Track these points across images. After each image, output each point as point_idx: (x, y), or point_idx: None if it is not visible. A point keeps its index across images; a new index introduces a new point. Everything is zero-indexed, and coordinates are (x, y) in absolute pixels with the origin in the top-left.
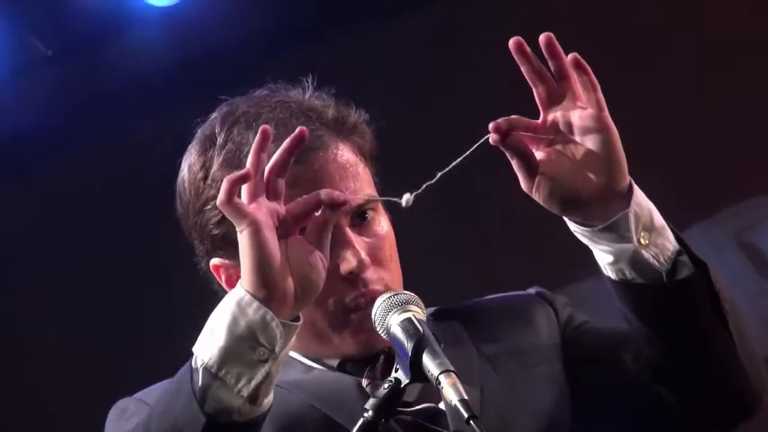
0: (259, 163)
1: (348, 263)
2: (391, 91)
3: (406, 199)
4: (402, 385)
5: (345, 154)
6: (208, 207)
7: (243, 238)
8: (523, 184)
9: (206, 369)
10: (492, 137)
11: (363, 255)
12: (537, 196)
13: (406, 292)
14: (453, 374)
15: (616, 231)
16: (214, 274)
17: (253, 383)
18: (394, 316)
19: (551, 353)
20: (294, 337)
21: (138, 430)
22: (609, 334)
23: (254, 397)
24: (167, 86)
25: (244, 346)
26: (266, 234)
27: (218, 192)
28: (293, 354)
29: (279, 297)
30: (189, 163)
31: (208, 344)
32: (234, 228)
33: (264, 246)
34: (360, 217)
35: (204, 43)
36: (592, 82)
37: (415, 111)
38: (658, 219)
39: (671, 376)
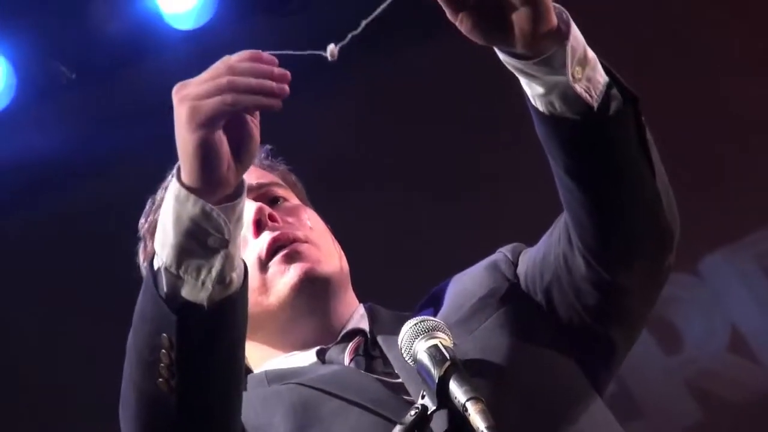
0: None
1: (249, 213)
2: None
3: (331, 50)
4: (429, 412)
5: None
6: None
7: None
8: (449, 14)
9: (167, 270)
10: None
11: (262, 205)
12: (462, 28)
13: (432, 318)
14: (481, 401)
15: (550, 65)
16: None
17: (214, 272)
18: (420, 342)
19: (515, 291)
20: (244, 210)
21: (129, 343)
22: (538, 248)
23: (221, 280)
24: None
25: (193, 239)
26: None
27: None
28: (271, 367)
29: (214, 178)
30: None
31: (163, 242)
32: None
33: (186, 132)
34: (272, 202)
35: None
36: None
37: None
38: (591, 53)
39: (596, 225)
